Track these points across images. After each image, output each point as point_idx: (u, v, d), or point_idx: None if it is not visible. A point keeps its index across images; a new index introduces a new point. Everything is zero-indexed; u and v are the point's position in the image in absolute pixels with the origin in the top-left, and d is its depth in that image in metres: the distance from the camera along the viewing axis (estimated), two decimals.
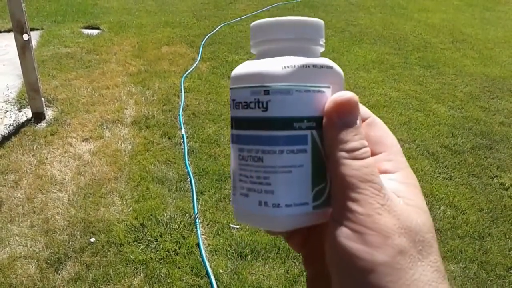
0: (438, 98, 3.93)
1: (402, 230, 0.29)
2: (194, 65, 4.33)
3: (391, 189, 0.31)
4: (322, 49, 0.36)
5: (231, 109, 0.35)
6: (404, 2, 7.21)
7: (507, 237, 2.43)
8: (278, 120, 0.32)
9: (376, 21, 6.10)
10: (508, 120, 3.64)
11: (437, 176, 2.88)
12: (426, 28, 5.93)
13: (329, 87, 0.33)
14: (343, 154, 0.31)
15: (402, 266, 0.28)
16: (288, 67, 0.32)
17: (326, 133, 0.32)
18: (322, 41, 0.35)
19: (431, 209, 2.58)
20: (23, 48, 3.08)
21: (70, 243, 2.22)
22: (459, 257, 2.27)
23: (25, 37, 3.04)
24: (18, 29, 2.99)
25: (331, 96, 0.32)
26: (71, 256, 2.14)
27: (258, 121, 0.32)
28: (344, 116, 0.32)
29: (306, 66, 0.33)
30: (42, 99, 3.30)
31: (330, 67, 0.34)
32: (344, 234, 0.29)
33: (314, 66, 0.33)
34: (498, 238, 2.42)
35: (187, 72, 4.15)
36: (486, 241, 2.39)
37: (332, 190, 0.32)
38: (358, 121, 0.32)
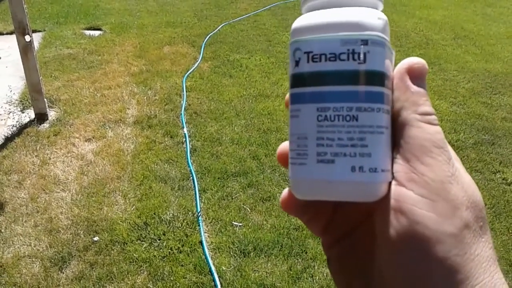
0: (440, 95, 3.92)
1: (469, 203, 0.28)
2: (196, 64, 4.34)
3: None
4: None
5: (298, 65, 0.30)
6: None
7: (510, 232, 2.42)
8: (377, 74, 0.29)
9: None
10: (510, 115, 3.63)
11: None
12: (427, 24, 5.92)
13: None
14: (418, 116, 0.29)
15: (467, 240, 0.27)
16: (380, 19, 0.30)
17: (400, 94, 0.30)
18: None
19: None
20: (25, 50, 3.09)
21: (74, 242, 2.23)
22: None
23: (27, 38, 3.06)
24: (20, 30, 3.01)
25: (405, 59, 0.31)
26: (75, 255, 2.15)
27: (353, 74, 0.29)
28: (419, 79, 0.31)
29: (387, 22, 0.31)
30: (45, 100, 3.31)
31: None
32: (412, 200, 0.28)
33: (387, 22, 0.31)
34: (501, 233, 2.41)
35: (189, 72, 4.16)
36: None
37: (400, 153, 0.29)
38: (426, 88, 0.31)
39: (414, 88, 0.30)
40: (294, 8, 6.42)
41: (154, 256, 2.16)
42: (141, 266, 2.11)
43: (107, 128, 3.23)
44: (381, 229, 0.29)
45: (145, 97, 3.69)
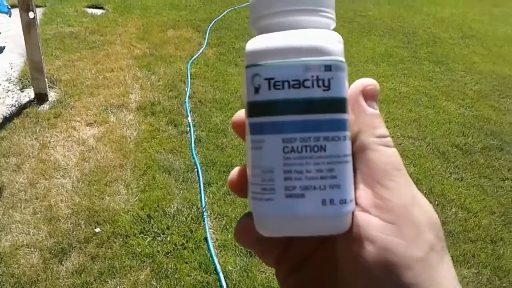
0: (448, 95, 3.87)
1: (430, 225, 0.28)
2: (201, 50, 4.24)
3: None
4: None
5: (259, 92, 0.28)
6: None
7: None
8: (341, 100, 0.28)
9: (384, 12, 6.01)
10: None
11: (448, 177, 2.83)
12: (435, 22, 5.85)
13: None
14: (376, 140, 0.29)
15: (433, 263, 0.27)
16: (340, 42, 0.29)
17: (356, 117, 0.30)
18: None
19: (442, 210, 2.54)
20: (28, 27, 2.97)
21: (74, 232, 2.15)
22: (472, 262, 2.23)
23: (31, 15, 2.94)
24: (24, 6, 2.89)
25: (357, 80, 0.30)
26: (75, 247, 2.08)
27: (319, 102, 0.27)
28: (372, 101, 0.30)
29: (341, 42, 0.29)
30: (46, 79, 3.20)
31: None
32: (378, 227, 0.27)
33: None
34: (510, 243, 2.38)
35: (194, 58, 4.05)
36: (498, 245, 2.35)
37: (362, 179, 0.29)
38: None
39: (369, 110, 0.30)
40: None
41: (158, 251, 2.10)
42: (144, 261, 2.05)
43: (109, 113, 3.13)
44: (347, 257, 0.29)
45: (148, 82, 3.59)
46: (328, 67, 0.27)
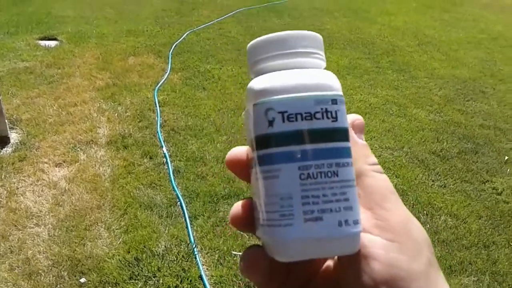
0: (416, 103, 3.93)
1: (426, 241, 0.30)
2: (165, 76, 4.13)
3: None
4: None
5: (273, 125, 0.30)
6: (365, 5, 7.27)
7: (511, 244, 2.41)
8: (345, 130, 0.31)
9: (342, 25, 6.09)
10: (487, 122, 3.68)
11: (431, 184, 2.84)
12: (391, 31, 5.98)
13: None
14: (369, 167, 0.32)
15: (433, 276, 0.29)
16: (336, 78, 0.32)
17: (353, 147, 0.32)
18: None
19: (432, 220, 2.53)
20: None
21: (58, 286, 1.99)
22: (470, 270, 2.22)
23: None
24: None
25: (348, 115, 0.33)
26: None
27: (328, 132, 0.30)
28: (361, 133, 0.34)
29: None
30: (6, 121, 3.01)
31: None
32: (381, 245, 0.29)
33: None
34: (502, 246, 2.39)
35: (159, 84, 3.94)
36: (492, 250, 2.35)
37: (361, 202, 0.31)
38: None
39: (360, 141, 0.33)
40: (258, 14, 6.32)
41: None
42: None
43: (78, 151, 2.97)
44: (352, 276, 0.30)
45: (115, 114, 3.45)
46: (334, 101, 0.30)
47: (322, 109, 0.30)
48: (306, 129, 0.29)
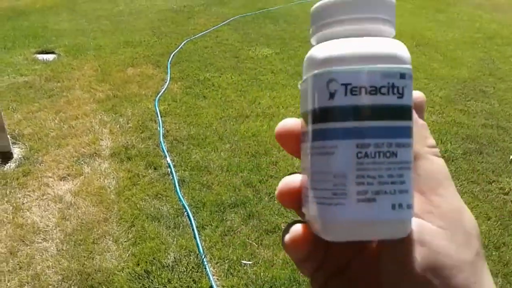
0: None
1: (476, 232, 0.30)
2: (165, 86, 4.13)
3: None
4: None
5: (334, 97, 0.28)
6: None
7: None
8: (409, 109, 0.29)
9: None
10: (489, 121, 3.68)
11: None
12: None
13: None
14: (427, 149, 0.31)
15: (479, 267, 0.28)
16: (407, 49, 0.30)
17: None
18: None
19: None
20: None
21: None
22: None
23: None
24: None
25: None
26: None
27: (394, 109, 0.28)
28: (421, 112, 0.33)
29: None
30: (8, 136, 3.00)
31: None
32: (431, 232, 0.28)
33: None
34: None
35: (159, 94, 3.94)
36: (502, 251, 2.35)
37: (415, 186, 0.30)
38: None
39: (420, 121, 0.32)
40: (253, 21, 6.33)
41: None
42: None
43: (82, 164, 2.96)
44: (396, 261, 0.29)
45: (117, 126, 3.44)
46: (403, 75, 0.28)
47: (389, 83, 0.28)
48: (370, 104, 0.28)
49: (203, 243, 2.32)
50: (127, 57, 4.84)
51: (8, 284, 2.05)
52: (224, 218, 2.50)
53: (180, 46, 5.18)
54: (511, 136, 3.47)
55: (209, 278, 2.10)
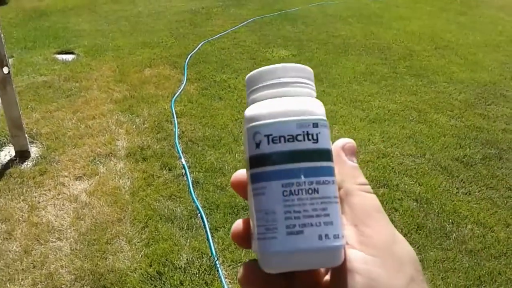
0: (436, 108, 3.86)
1: (410, 259, 0.31)
2: (182, 87, 4.13)
3: None
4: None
5: (259, 147, 0.33)
6: (379, 11, 7.21)
7: None
8: (327, 151, 0.33)
9: (356, 31, 6.05)
10: (509, 126, 3.60)
11: (456, 192, 2.77)
12: (406, 36, 5.92)
13: None
14: (357, 186, 0.34)
15: None
16: (322, 106, 0.35)
17: (339, 168, 0.34)
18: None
19: (458, 229, 2.47)
20: (3, 82, 2.82)
21: None
22: (500, 280, 2.16)
23: (5, 70, 2.80)
24: None
25: (338, 140, 0.36)
26: None
27: (309, 152, 0.32)
28: (352, 156, 0.36)
29: (323, 106, 0.35)
30: (26, 135, 3.03)
31: None
32: (364, 260, 0.31)
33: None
34: None
35: (176, 95, 3.94)
36: None
37: (347, 219, 0.33)
38: None
39: (350, 163, 0.35)
40: (271, 23, 6.31)
41: None
42: None
43: (97, 164, 2.97)
44: None
45: (133, 126, 3.45)
46: (315, 124, 0.33)
47: (303, 131, 0.32)
48: (289, 150, 0.32)
49: (216, 245, 2.30)
50: (145, 58, 4.87)
51: (22, 282, 2.06)
52: None
53: (197, 48, 5.19)
54: None
55: (221, 281, 2.09)
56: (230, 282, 2.10)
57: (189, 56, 4.90)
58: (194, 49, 5.13)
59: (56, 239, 2.34)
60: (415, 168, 2.98)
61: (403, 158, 3.09)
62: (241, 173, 0.36)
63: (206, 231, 2.39)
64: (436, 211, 2.58)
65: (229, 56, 4.97)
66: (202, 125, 3.48)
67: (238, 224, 0.36)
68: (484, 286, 2.13)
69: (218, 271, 2.14)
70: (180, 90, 4.06)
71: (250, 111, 0.35)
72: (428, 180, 2.86)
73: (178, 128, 3.41)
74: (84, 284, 2.06)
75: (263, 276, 0.33)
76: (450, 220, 2.52)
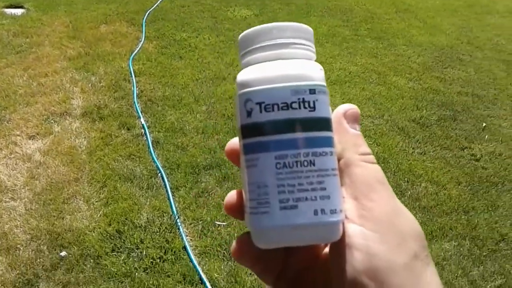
0: (395, 71, 3.92)
1: (414, 234, 0.30)
2: (140, 45, 4.00)
3: None
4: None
5: (251, 115, 0.31)
6: None
7: (490, 209, 2.45)
8: (325, 120, 0.31)
9: None
10: (464, 89, 3.70)
11: (412, 152, 2.85)
12: None
13: None
14: (359, 156, 0.32)
15: (418, 269, 0.28)
16: (321, 70, 0.32)
17: (340, 137, 0.32)
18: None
19: (413, 187, 2.56)
20: None
21: (38, 260, 1.93)
22: (450, 235, 2.26)
23: None
24: None
25: (340, 105, 0.34)
26: (42, 276, 1.87)
27: (305, 122, 0.30)
28: (354, 123, 0.33)
29: (323, 70, 0.32)
30: None
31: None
32: (364, 235, 0.29)
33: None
34: (481, 211, 2.44)
35: (134, 54, 3.81)
36: (471, 215, 2.39)
37: (348, 192, 0.31)
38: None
39: (352, 131, 0.33)
40: None
41: (135, 268, 1.93)
42: (122, 281, 1.88)
43: (52, 123, 2.86)
44: (337, 265, 0.30)
45: (89, 84, 3.33)
46: (312, 91, 0.30)
47: (299, 99, 0.30)
48: (283, 119, 0.30)
49: (177, 204, 2.29)
50: (100, 14, 4.66)
51: None
52: (199, 180, 2.47)
53: (156, 4, 5.01)
54: (485, 104, 3.51)
55: (182, 239, 2.09)
56: (191, 239, 2.11)
57: (147, 13, 4.72)
58: (153, 6, 4.95)
59: (10, 199, 2.26)
60: (373, 129, 3.04)
61: (362, 119, 3.13)
62: (235, 142, 0.34)
63: (166, 190, 2.36)
64: (393, 170, 2.66)
65: (189, 14, 4.83)
66: (161, 84, 3.40)
67: (231, 195, 0.34)
68: (436, 241, 2.23)
69: (179, 229, 2.14)
70: (138, 48, 3.93)
71: (241, 76, 0.32)
72: (385, 140, 2.93)
73: (136, 87, 3.31)
74: (40, 243, 2.01)
75: (257, 250, 0.32)
76: (406, 179, 2.60)
